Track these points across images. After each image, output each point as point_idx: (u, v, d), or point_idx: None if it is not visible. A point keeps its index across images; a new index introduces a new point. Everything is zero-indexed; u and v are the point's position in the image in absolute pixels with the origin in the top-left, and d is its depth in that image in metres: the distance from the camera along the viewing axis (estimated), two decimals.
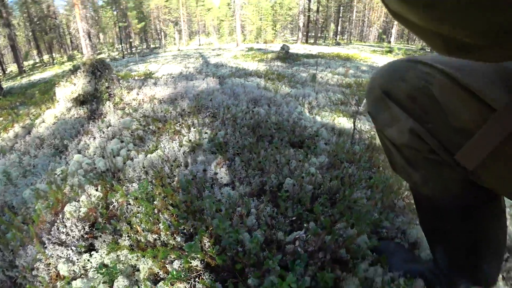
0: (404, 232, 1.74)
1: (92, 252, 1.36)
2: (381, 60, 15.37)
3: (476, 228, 1.08)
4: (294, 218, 1.41)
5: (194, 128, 2.56)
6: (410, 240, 1.69)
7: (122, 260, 1.30)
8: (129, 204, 1.58)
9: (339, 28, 42.77)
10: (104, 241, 1.41)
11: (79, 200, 1.72)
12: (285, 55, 12.29)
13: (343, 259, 1.33)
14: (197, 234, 1.27)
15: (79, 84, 3.74)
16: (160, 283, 1.14)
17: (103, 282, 1.21)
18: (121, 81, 4.16)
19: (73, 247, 1.42)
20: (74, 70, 3.84)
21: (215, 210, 1.34)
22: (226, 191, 1.66)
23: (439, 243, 1.19)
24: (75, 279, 1.27)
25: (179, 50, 27.03)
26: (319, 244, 1.24)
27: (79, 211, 1.63)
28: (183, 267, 1.16)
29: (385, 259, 1.40)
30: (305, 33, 33.01)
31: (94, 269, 1.24)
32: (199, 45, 38.50)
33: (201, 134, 2.32)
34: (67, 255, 1.36)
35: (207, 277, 1.12)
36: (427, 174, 0.89)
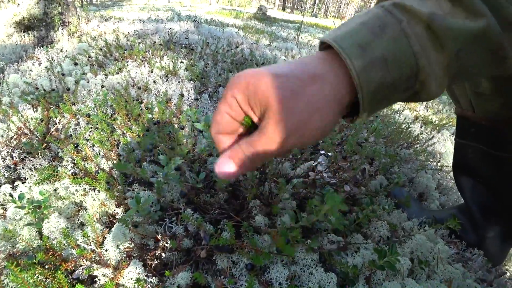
0: (412, 180, 1.54)
1: (17, 183, 0.94)
2: None
3: None
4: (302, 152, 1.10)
5: (167, 57, 2.11)
6: (418, 190, 1.51)
7: (61, 196, 0.87)
8: (78, 125, 1.16)
9: (316, 0, 41.84)
10: (35, 167, 0.99)
11: (9, 124, 1.27)
12: (262, 16, 11.58)
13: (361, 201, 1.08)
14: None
15: (24, 5, 3.03)
16: (117, 226, 0.75)
17: (28, 225, 0.78)
18: (78, 10, 3.48)
19: None
20: None
21: (199, 130, 0.98)
22: (210, 117, 1.30)
23: (480, 182, 1.00)
24: None
25: (146, 4, 24.78)
26: (340, 176, 0.96)
27: (7, 135, 1.19)
28: (152, 203, 0.80)
29: (409, 204, 1.18)
30: (282, 0, 31.92)
31: (15, 206, 0.82)
32: (168, 1, 35.76)
33: (176, 63, 1.90)
34: None
35: (190, 215, 0.77)
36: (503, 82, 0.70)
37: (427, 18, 0.33)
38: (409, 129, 1.89)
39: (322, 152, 1.09)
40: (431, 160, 1.82)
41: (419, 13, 0.33)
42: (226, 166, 0.38)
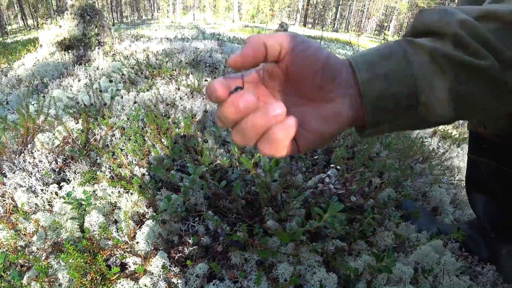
0: (425, 195, 1.56)
1: (62, 184, 1.09)
2: None
3: None
4: (316, 159, 1.19)
5: (192, 75, 2.28)
6: (431, 204, 1.53)
7: (99, 196, 1.01)
8: (114, 136, 1.31)
9: (337, 16, 42.12)
10: (78, 171, 1.14)
11: (54, 133, 1.45)
12: None
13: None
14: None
15: (65, 27, 3.36)
16: (148, 221, 0.87)
17: (72, 218, 0.91)
18: (112, 31, 3.79)
19: (38, 176, 1.15)
20: (61, 12, 3.45)
21: (221, 143, 1.10)
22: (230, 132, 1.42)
23: (493, 199, 0.99)
24: (35, 214, 0.97)
25: (172, 22, 25.94)
26: (348, 188, 1.03)
27: (53, 143, 1.36)
28: (178, 204, 0.92)
29: (417, 215, 1.21)
30: (303, 16, 32.38)
31: (62, 202, 0.96)
32: (193, 20, 37.23)
33: (200, 81, 2.06)
34: (29, 183, 1.09)
35: (210, 217, 0.88)
36: None
37: (430, 49, 0.40)
38: (424, 143, 1.92)
39: (332, 165, 1.18)
40: (447, 174, 1.83)
41: (424, 46, 0.40)
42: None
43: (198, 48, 3.64)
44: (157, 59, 2.85)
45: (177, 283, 0.70)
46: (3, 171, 1.19)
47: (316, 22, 45.96)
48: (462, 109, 0.41)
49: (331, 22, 43.05)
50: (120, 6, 35.26)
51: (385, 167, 1.29)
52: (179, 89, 1.96)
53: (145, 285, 0.70)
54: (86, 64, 2.94)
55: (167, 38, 5.62)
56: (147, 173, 1.08)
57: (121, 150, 1.20)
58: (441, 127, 2.92)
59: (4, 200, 1.07)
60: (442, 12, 0.44)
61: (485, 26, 0.41)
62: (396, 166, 1.44)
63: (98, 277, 0.75)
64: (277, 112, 0.36)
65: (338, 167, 1.14)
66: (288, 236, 0.56)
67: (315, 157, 1.25)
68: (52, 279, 0.81)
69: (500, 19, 0.40)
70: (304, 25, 31.95)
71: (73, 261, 0.68)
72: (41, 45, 3.55)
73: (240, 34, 9.97)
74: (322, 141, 0.41)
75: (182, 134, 1.20)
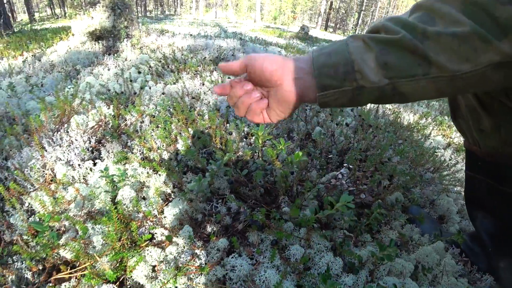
0: (433, 202, 1.61)
1: (97, 161, 1.21)
2: None
3: None
4: (330, 158, 1.26)
5: (216, 72, 2.39)
6: (438, 212, 1.57)
7: (130, 175, 1.11)
8: (143, 123, 1.42)
9: (359, 21, 41.68)
10: (111, 151, 1.26)
11: (88, 116, 1.57)
12: (304, 36, 11.90)
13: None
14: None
15: (97, 18, 3.52)
16: (176, 199, 0.97)
17: (105, 191, 1.03)
18: (140, 25, 3.94)
19: (75, 152, 1.27)
20: (93, 4, 3.62)
21: (243, 135, 1.19)
22: (253, 126, 1.51)
23: (489, 214, 1.03)
24: (72, 185, 1.09)
25: (195, 19, 26.28)
26: (359, 187, 1.11)
27: (87, 125, 1.48)
28: (203, 186, 1.01)
29: (422, 219, 1.26)
30: (325, 20, 32.19)
31: (98, 176, 1.08)
32: (215, 17, 37.56)
33: (224, 78, 2.16)
34: (67, 158, 1.21)
35: (232, 200, 0.97)
36: (500, 119, 0.77)
37: (363, 36, 0.55)
38: (436, 153, 1.95)
39: (345, 165, 1.25)
40: (457, 185, 1.85)
41: (360, 35, 0.56)
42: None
43: (222, 47, 3.75)
44: (182, 55, 2.97)
45: (200, 254, 0.79)
46: (44, 146, 1.32)
47: (338, 26, 45.62)
48: (391, 75, 0.52)
49: (352, 27, 42.65)
50: (145, 0, 35.86)
51: (396, 171, 1.35)
52: (203, 84, 2.06)
53: (171, 253, 0.80)
54: (115, 55, 3.09)
55: (190, 35, 5.77)
56: (174, 158, 1.18)
57: (151, 135, 1.31)
58: (456, 140, 2.94)
59: (43, 171, 1.19)
60: (384, 18, 0.60)
61: (414, 15, 0.56)
62: (406, 172, 1.50)
63: (128, 243, 0.85)
64: (255, 96, 0.59)
65: (351, 166, 1.21)
66: (300, 216, 0.64)
67: (329, 156, 1.32)
68: (86, 242, 0.92)
69: (423, 7, 0.55)
70: (325, 29, 31.78)
71: (112, 225, 0.78)
72: (73, 34, 3.73)
73: (262, 35, 10.06)
74: (284, 115, 0.60)
75: (208, 125, 1.29)
